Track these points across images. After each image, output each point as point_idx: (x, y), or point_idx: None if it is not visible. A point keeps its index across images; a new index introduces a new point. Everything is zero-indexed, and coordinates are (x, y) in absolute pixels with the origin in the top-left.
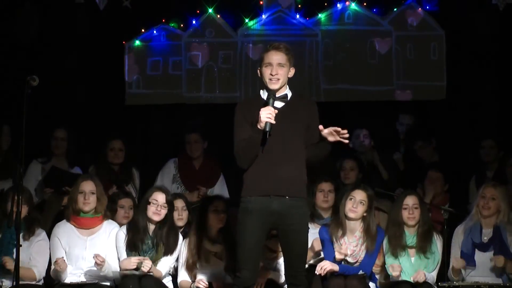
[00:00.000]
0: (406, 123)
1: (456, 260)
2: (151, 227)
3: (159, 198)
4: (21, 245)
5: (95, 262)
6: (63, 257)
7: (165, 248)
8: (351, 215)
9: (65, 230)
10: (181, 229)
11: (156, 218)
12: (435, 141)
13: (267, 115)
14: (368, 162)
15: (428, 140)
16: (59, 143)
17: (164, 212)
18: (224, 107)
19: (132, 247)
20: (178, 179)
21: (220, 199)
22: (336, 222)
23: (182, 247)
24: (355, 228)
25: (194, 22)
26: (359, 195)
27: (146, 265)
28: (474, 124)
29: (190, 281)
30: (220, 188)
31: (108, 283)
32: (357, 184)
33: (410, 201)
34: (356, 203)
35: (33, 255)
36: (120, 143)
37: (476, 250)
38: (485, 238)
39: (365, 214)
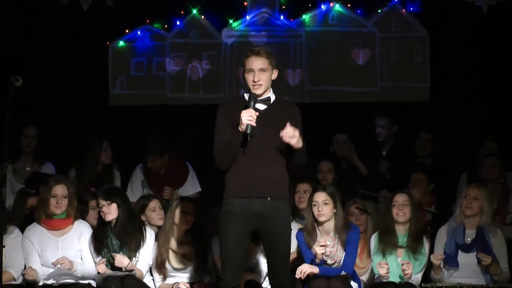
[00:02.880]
0: (383, 125)
1: (433, 256)
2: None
3: (100, 200)
4: (4, 246)
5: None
6: (30, 266)
7: (131, 242)
8: (321, 219)
9: (35, 232)
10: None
11: (109, 217)
12: (438, 146)
13: (248, 117)
14: (348, 166)
15: (435, 140)
16: (29, 141)
17: (113, 209)
18: (208, 108)
19: (97, 252)
20: (146, 184)
21: (188, 200)
22: (308, 229)
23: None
24: (329, 229)
25: (178, 23)
26: (320, 197)
27: (118, 260)
28: (457, 125)
29: (170, 284)
30: (191, 183)
31: (88, 282)
32: (315, 187)
33: (400, 198)
34: (320, 206)
35: (9, 253)
36: (107, 144)
37: (459, 251)
38: (468, 239)
39: (334, 211)
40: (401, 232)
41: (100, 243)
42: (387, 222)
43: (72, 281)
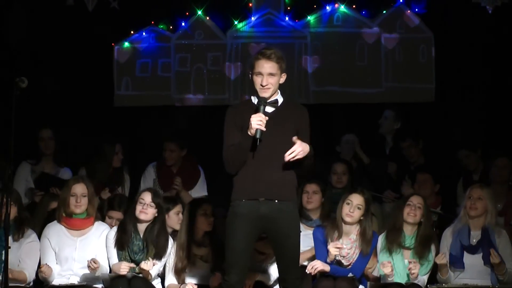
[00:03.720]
0: (387, 116)
1: (437, 258)
2: (142, 228)
3: (146, 197)
4: (9, 247)
5: (89, 266)
6: (46, 264)
7: (156, 250)
8: (347, 219)
9: (55, 231)
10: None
11: (143, 216)
12: (422, 143)
13: (257, 122)
14: (356, 166)
15: (416, 140)
16: (47, 143)
17: (151, 211)
18: (213, 109)
19: (120, 246)
20: (157, 183)
21: (208, 202)
22: (332, 225)
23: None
24: (351, 231)
25: (183, 24)
26: (356, 200)
27: (145, 265)
28: (463, 126)
29: (178, 284)
30: (200, 187)
31: (98, 286)
32: (355, 188)
33: (415, 200)
34: (353, 208)
35: (23, 257)
36: (120, 147)
37: (465, 252)
38: (474, 240)
39: (361, 218)
40: (408, 233)
41: (125, 237)
42: (396, 220)
43: (81, 283)
